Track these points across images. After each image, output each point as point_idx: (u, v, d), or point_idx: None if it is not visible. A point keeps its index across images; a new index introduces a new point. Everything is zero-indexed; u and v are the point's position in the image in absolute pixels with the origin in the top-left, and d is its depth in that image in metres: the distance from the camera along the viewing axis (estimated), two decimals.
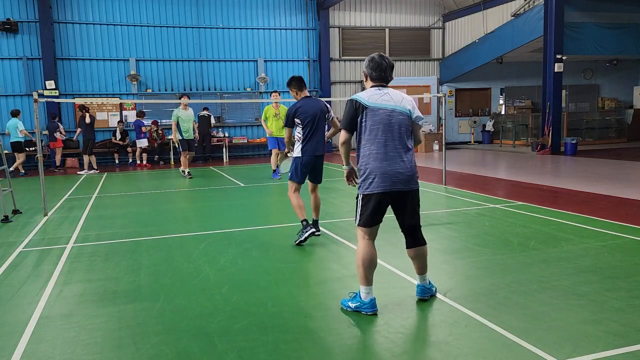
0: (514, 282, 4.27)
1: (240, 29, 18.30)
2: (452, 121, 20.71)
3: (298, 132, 5.66)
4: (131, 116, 17.10)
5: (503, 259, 4.96)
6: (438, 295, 4.03)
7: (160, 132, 16.92)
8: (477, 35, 19.03)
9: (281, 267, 4.93)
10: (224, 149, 17.18)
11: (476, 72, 19.39)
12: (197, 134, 13.15)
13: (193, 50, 17.79)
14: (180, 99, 12.53)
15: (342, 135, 3.77)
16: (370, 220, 3.71)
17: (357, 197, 3.78)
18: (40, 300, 4.19)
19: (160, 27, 17.42)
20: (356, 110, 3.68)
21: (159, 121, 17.31)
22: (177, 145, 12.63)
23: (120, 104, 17.09)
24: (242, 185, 11.01)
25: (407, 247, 3.93)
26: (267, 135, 11.80)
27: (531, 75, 19.64)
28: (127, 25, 17.06)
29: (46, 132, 15.54)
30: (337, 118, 5.90)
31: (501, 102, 21.38)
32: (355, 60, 20.05)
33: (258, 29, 18.49)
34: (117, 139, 16.52)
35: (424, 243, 3.92)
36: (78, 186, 11.54)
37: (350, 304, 3.77)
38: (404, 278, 4.48)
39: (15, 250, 5.84)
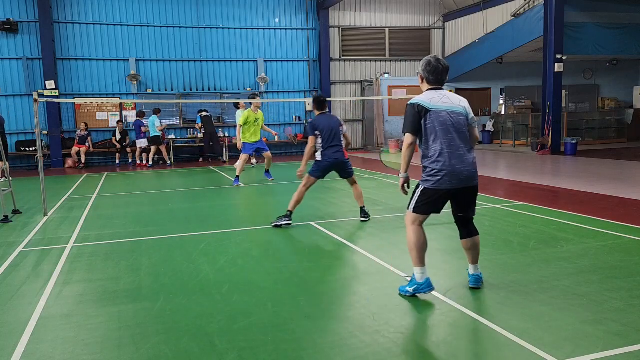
0: (514, 282, 4.27)
1: (240, 29, 18.30)
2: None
3: (318, 143, 6.75)
4: (131, 116, 17.10)
5: (503, 259, 4.96)
6: (438, 295, 4.03)
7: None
8: (477, 35, 19.03)
9: (281, 267, 4.93)
10: (224, 149, 17.18)
11: (476, 72, 19.38)
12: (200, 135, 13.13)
13: (193, 50, 17.79)
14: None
15: (408, 138, 3.85)
16: (426, 210, 3.92)
17: (417, 187, 3.94)
18: (40, 300, 4.19)
19: (160, 27, 17.42)
20: (419, 114, 3.81)
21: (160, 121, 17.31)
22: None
23: (120, 104, 17.09)
24: (242, 185, 11.00)
25: (461, 238, 4.13)
26: (245, 141, 10.79)
27: (531, 75, 19.64)
28: (127, 25, 17.06)
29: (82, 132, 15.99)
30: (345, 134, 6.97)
31: (501, 102, 21.38)
32: (355, 60, 20.05)
33: (258, 29, 18.49)
34: (117, 139, 16.52)
35: (477, 233, 4.13)
36: (78, 186, 11.54)
37: (408, 288, 3.97)
38: (404, 278, 4.48)
39: (15, 250, 5.83)
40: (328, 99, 17.79)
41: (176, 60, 17.61)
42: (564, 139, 15.68)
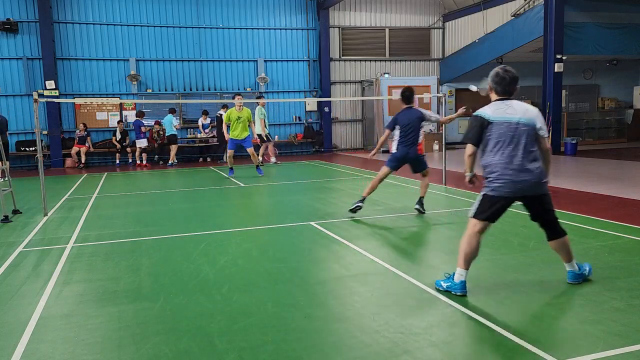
0: (514, 282, 4.27)
1: (240, 29, 18.30)
2: (453, 121, 20.67)
3: (395, 135, 7.09)
4: (131, 116, 17.10)
5: (503, 259, 4.96)
6: (438, 295, 4.03)
7: (162, 132, 16.90)
8: (477, 35, 19.03)
9: (281, 267, 4.93)
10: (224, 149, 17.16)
11: (476, 72, 19.36)
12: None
13: (193, 50, 17.78)
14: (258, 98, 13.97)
15: (469, 148, 4.06)
16: (485, 216, 4.02)
17: (480, 194, 4.08)
18: (40, 300, 4.19)
19: (160, 27, 17.42)
20: (481, 125, 3.97)
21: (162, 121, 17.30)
22: (264, 139, 14.57)
23: (120, 104, 17.09)
24: (242, 185, 11.01)
25: (547, 240, 4.26)
26: (230, 137, 12.16)
27: (531, 75, 19.61)
28: (127, 25, 17.06)
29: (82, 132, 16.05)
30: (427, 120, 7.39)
31: None
32: (355, 60, 20.05)
33: (258, 29, 18.49)
34: (117, 139, 16.51)
35: (563, 234, 4.22)
36: (78, 186, 11.54)
37: (443, 284, 4.11)
38: (404, 278, 4.48)
39: (15, 250, 5.84)
40: (328, 99, 17.78)
41: (176, 60, 17.61)
42: (564, 139, 15.68)
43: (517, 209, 7.29)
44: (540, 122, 4.02)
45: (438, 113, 19.72)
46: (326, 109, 19.15)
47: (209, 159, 17.37)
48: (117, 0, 16.87)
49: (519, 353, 3.05)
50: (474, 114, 4.04)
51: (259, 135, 14.42)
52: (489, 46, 17.97)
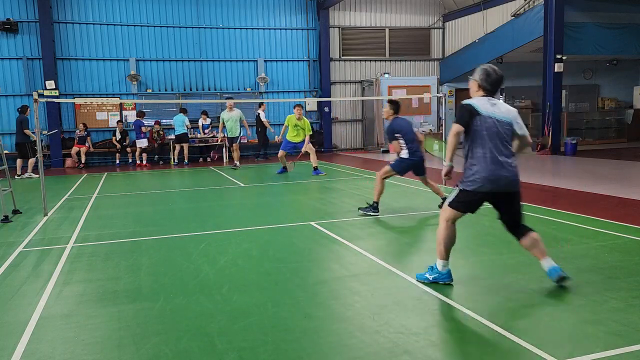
0: (514, 282, 4.27)
1: (240, 29, 18.30)
2: (453, 121, 20.67)
3: (401, 143, 7.22)
4: (131, 116, 17.10)
5: (503, 259, 4.96)
6: (438, 295, 4.03)
7: (162, 132, 16.91)
8: (477, 35, 19.02)
9: (281, 267, 4.93)
10: (224, 149, 17.17)
11: None
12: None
13: (193, 50, 17.78)
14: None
15: (456, 128, 4.02)
16: (461, 208, 4.11)
17: (457, 187, 4.13)
18: (40, 300, 4.19)
19: (160, 27, 17.41)
20: (470, 112, 4.00)
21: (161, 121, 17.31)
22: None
23: (120, 104, 17.09)
24: (242, 185, 11.01)
25: (518, 240, 4.28)
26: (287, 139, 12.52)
27: (531, 75, 19.60)
28: (127, 25, 17.06)
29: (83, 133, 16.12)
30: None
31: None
32: (355, 60, 20.05)
33: (258, 29, 18.49)
34: (117, 139, 16.52)
35: (531, 230, 4.25)
36: (78, 186, 11.54)
37: (427, 275, 4.20)
38: (404, 278, 4.48)
39: (15, 250, 5.83)
40: (328, 99, 17.86)
41: (176, 60, 17.61)
42: (564, 139, 15.68)
43: (523, 211, 7.30)
44: (520, 121, 4.16)
45: (438, 113, 19.83)
46: (326, 109, 19.15)
47: (208, 159, 17.38)
48: (117, 0, 16.87)
49: (519, 353, 3.05)
50: (463, 102, 4.08)
51: (235, 137, 14.28)
52: (489, 46, 17.96)
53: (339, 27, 19.71)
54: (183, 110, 16.49)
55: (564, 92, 17.97)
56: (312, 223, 6.81)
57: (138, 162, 16.08)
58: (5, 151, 12.86)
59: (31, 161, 13.89)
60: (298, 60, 19.11)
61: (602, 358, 2.96)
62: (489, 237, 5.83)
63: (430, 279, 4.19)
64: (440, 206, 7.27)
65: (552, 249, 5.22)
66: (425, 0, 20.75)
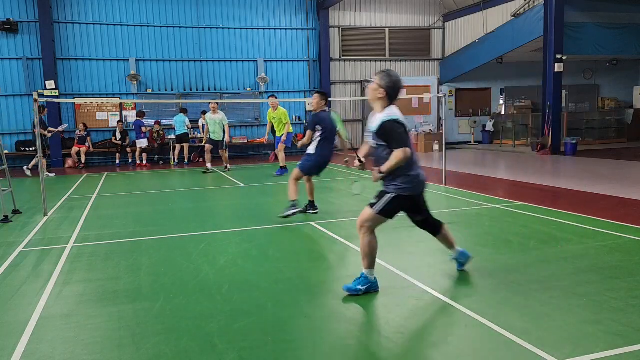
0: (514, 282, 4.27)
1: (240, 29, 18.30)
2: (452, 121, 20.70)
3: (316, 136, 6.97)
4: (131, 116, 17.10)
5: (503, 259, 4.96)
6: (438, 295, 4.03)
7: (161, 132, 16.90)
8: (477, 35, 19.03)
9: (281, 267, 4.93)
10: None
11: (476, 72, 19.38)
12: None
13: (193, 50, 17.78)
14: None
15: (407, 151, 3.89)
16: (390, 214, 4.09)
17: (388, 194, 4.01)
18: (40, 300, 4.19)
19: (160, 27, 17.42)
20: (404, 129, 4.00)
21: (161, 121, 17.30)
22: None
23: (120, 104, 17.09)
24: (242, 185, 11.01)
25: (435, 236, 4.46)
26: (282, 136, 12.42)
27: (531, 75, 19.62)
28: (127, 25, 17.06)
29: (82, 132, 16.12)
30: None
31: (501, 102, 21.38)
32: (355, 60, 20.05)
33: (258, 29, 18.49)
34: (117, 139, 16.52)
35: (442, 222, 4.45)
36: (78, 186, 11.54)
37: (360, 287, 4.07)
38: (404, 278, 4.48)
39: (15, 250, 5.83)
40: (330, 99, 17.92)
41: (176, 60, 17.61)
42: (564, 139, 15.68)
43: (517, 209, 7.31)
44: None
45: (438, 113, 19.83)
46: (326, 109, 19.13)
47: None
48: (117, 0, 16.87)
49: (519, 353, 3.05)
50: (393, 119, 3.93)
51: (219, 141, 13.58)
52: (489, 46, 17.97)
53: (339, 27, 19.71)
54: (183, 110, 16.50)
55: (564, 92, 17.99)
56: (312, 223, 6.81)
57: (138, 162, 16.08)
58: (5, 151, 12.87)
59: (43, 161, 14.00)
60: (298, 60, 19.11)
61: (602, 358, 2.96)
62: (489, 237, 5.83)
63: (364, 289, 4.06)
64: (306, 208, 7.27)
65: (552, 249, 5.23)
66: (425, 0, 20.75)
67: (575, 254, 5.04)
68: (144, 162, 15.99)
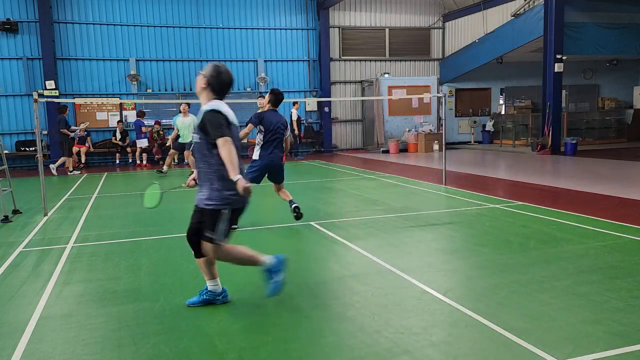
0: (514, 282, 4.27)
1: (240, 29, 18.30)
2: (452, 121, 20.71)
3: (259, 138, 6.46)
4: (131, 116, 17.10)
5: (503, 259, 4.96)
6: (438, 295, 4.03)
7: (161, 132, 16.89)
8: (477, 35, 19.03)
9: None
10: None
11: (476, 72, 19.38)
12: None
13: (193, 50, 17.79)
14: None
15: (228, 141, 3.52)
16: (230, 235, 3.73)
17: (220, 212, 3.60)
18: (40, 300, 4.19)
19: (160, 27, 17.42)
20: (227, 122, 3.62)
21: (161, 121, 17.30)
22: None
23: (120, 104, 17.09)
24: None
25: (196, 257, 3.89)
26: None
27: (531, 75, 19.63)
28: (127, 25, 17.06)
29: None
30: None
31: (501, 102, 21.38)
32: (355, 60, 20.06)
33: (258, 29, 18.49)
34: (117, 139, 16.51)
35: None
36: (78, 186, 11.54)
37: (198, 299, 3.86)
38: (404, 278, 4.48)
39: (15, 250, 5.83)
40: (328, 99, 17.71)
41: (176, 60, 17.61)
42: (564, 139, 15.68)
43: (517, 209, 7.31)
44: None
45: (438, 113, 19.83)
46: (326, 109, 19.15)
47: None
48: (117, 0, 16.88)
49: (519, 353, 3.05)
50: (215, 109, 3.60)
51: (186, 144, 12.67)
52: (489, 46, 17.98)
53: (339, 27, 19.72)
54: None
55: (564, 92, 17.99)
56: (312, 223, 6.80)
57: (138, 162, 16.07)
58: (5, 151, 12.87)
59: (68, 159, 14.20)
60: (298, 60, 19.11)
61: (602, 358, 2.96)
62: (489, 237, 5.83)
63: (204, 298, 3.88)
64: (297, 216, 6.70)
65: (552, 249, 5.23)
66: (425, 0, 20.76)
67: (575, 254, 5.04)
68: (144, 162, 15.98)
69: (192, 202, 3.86)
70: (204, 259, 3.82)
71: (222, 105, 3.69)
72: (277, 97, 6.54)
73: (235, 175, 3.47)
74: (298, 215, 6.72)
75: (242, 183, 3.45)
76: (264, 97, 12.02)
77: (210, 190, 3.63)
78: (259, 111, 6.67)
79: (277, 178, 6.79)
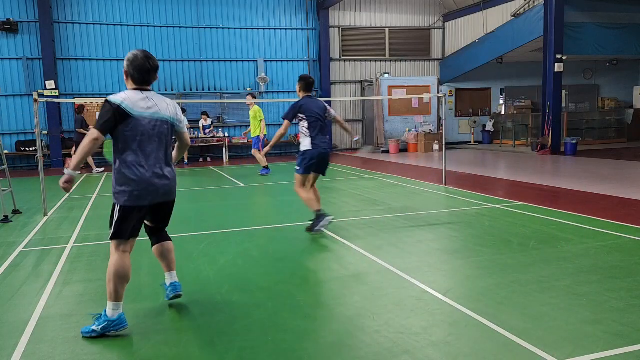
0: (514, 282, 4.27)
1: (240, 29, 18.31)
2: (452, 121, 20.71)
3: (304, 128, 6.11)
4: None
5: (503, 259, 4.96)
6: (438, 295, 4.03)
7: None
8: (477, 35, 19.03)
9: (281, 267, 4.93)
10: (224, 149, 17.18)
11: (476, 72, 19.39)
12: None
13: (193, 50, 17.79)
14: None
15: (93, 133, 3.32)
16: (126, 232, 3.53)
17: (114, 209, 3.53)
18: (40, 300, 4.19)
19: (160, 27, 17.42)
20: (118, 116, 3.34)
21: None
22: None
23: None
24: (242, 185, 11.01)
25: (152, 246, 3.99)
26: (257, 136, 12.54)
27: (531, 75, 19.64)
28: (127, 25, 17.06)
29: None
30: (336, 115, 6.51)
31: (501, 102, 21.38)
32: (355, 60, 20.06)
33: (258, 29, 18.49)
34: None
35: (169, 239, 4.02)
36: (78, 186, 11.54)
37: (94, 327, 3.41)
38: (404, 278, 4.48)
39: (15, 250, 5.83)
40: (328, 99, 17.87)
41: (176, 60, 17.61)
42: (564, 139, 15.68)
43: (517, 209, 7.31)
44: (180, 116, 3.70)
45: (438, 113, 19.84)
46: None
47: (209, 159, 17.42)
48: (117, 0, 16.88)
49: (518, 353, 3.05)
50: (109, 98, 3.38)
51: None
52: (489, 46, 17.98)
53: (339, 27, 19.72)
54: (182, 110, 16.49)
55: (564, 92, 18.00)
56: None
57: None
58: (5, 151, 12.88)
59: (90, 159, 14.36)
60: (298, 60, 19.11)
61: (602, 358, 2.96)
62: (489, 237, 5.83)
63: (99, 330, 3.38)
64: (320, 229, 6.11)
65: (552, 249, 5.23)
66: (425, 0, 20.76)
67: (575, 254, 5.04)
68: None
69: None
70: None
71: (122, 95, 3.40)
72: (307, 82, 6.22)
73: (67, 170, 3.34)
74: (313, 228, 6.13)
75: (62, 179, 3.34)
76: (252, 96, 12.30)
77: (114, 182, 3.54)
78: (294, 102, 6.31)
79: (324, 168, 6.26)
